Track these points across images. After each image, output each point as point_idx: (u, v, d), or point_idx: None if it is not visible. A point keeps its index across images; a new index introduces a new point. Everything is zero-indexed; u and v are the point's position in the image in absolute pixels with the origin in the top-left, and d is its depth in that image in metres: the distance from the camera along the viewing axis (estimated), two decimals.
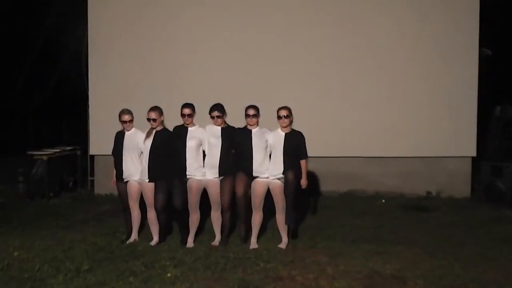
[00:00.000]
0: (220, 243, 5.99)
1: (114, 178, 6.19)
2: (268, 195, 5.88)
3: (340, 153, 9.32)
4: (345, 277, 4.83)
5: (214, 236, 6.09)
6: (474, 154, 9.31)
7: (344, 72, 9.37)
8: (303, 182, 5.77)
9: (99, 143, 9.35)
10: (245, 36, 9.39)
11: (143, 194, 6.03)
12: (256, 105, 5.94)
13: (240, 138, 5.89)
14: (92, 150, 9.67)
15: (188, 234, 6.01)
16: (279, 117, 5.82)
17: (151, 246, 5.88)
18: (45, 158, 9.07)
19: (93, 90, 9.60)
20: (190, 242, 5.97)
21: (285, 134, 5.84)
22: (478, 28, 9.23)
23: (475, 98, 9.27)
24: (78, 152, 10.38)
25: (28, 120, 16.89)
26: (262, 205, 5.88)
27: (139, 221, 6.20)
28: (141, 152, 6.01)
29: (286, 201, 5.69)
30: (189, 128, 5.98)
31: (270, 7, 9.39)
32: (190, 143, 5.90)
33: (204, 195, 6.02)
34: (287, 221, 5.76)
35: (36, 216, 7.64)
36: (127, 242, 6.04)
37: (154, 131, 5.95)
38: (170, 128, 6.10)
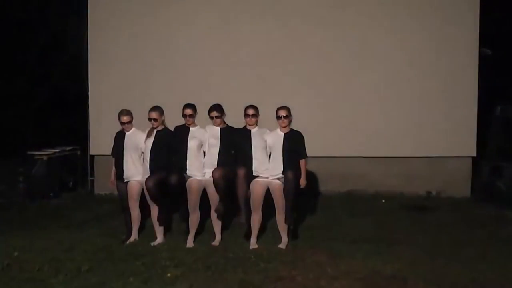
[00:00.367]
0: (220, 243, 6.00)
1: (112, 178, 6.19)
2: (268, 195, 5.88)
3: (340, 153, 9.32)
4: (345, 277, 4.83)
5: (214, 236, 6.10)
6: (474, 154, 9.31)
7: (344, 72, 9.37)
8: (302, 182, 5.76)
9: (99, 143, 9.35)
10: (245, 36, 9.39)
11: (144, 194, 6.03)
12: (255, 105, 5.95)
13: (239, 138, 5.89)
14: (92, 150, 9.67)
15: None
16: (278, 117, 5.83)
17: (151, 246, 5.89)
18: (45, 158, 9.07)
19: (93, 90, 9.60)
20: (190, 242, 5.97)
21: (284, 134, 5.84)
22: (478, 28, 9.22)
23: (475, 98, 9.26)
24: (78, 152, 10.37)
25: (28, 120, 16.87)
26: (261, 205, 5.87)
27: (139, 221, 6.21)
28: (142, 152, 6.02)
29: (286, 201, 5.69)
30: (190, 128, 5.99)
31: (270, 8, 9.39)
32: (191, 143, 5.90)
33: (204, 195, 6.03)
34: (286, 221, 5.76)
35: (36, 216, 7.65)
36: (127, 242, 6.04)
37: (155, 131, 5.96)
38: (171, 129, 6.11)
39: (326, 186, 9.14)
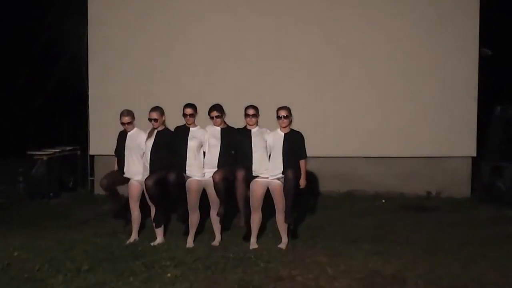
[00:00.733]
0: (220, 243, 6.00)
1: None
2: (268, 195, 5.88)
3: (340, 153, 9.32)
4: (345, 277, 4.82)
5: (214, 236, 6.10)
6: (474, 154, 9.31)
7: (344, 72, 9.37)
8: (302, 182, 5.76)
9: (99, 143, 9.36)
10: (246, 36, 9.39)
11: (144, 194, 6.03)
12: (256, 105, 5.95)
13: (239, 138, 5.89)
14: (92, 150, 9.67)
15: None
16: (278, 117, 5.83)
17: (151, 246, 5.89)
18: (45, 158, 9.07)
19: (93, 90, 9.61)
20: (190, 242, 5.97)
21: (285, 134, 5.84)
22: (478, 28, 9.22)
23: (475, 99, 9.26)
24: (78, 152, 10.37)
25: (28, 120, 16.86)
26: (261, 205, 5.87)
27: (139, 221, 6.22)
28: (143, 152, 6.02)
29: (286, 201, 5.68)
30: (190, 128, 5.99)
31: (270, 7, 9.39)
32: (191, 143, 5.90)
33: (204, 195, 6.03)
34: (286, 221, 5.75)
35: (36, 216, 7.64)
36: (127, 242, 6.04)
37: (155, 131, 5.96)
38: (171, 129, 6.11)
39: (326, 186, 9.14)
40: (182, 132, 5.98)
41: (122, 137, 6.17)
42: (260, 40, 9.37)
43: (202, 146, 5.99)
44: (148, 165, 5.90)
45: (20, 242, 5.96)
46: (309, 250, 5.70)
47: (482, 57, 9.56)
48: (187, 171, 5.88)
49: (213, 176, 5.72)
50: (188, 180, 5.91)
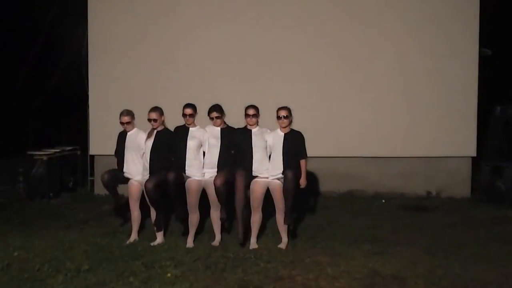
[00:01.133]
0: (220, 243, 6.00)
1: None
2: (268, 195, 5.88)
3: (340, 153, 9.32)
4: (345, 277, 4.83)
5: (214, 236, 6.10)
6: (474, 154, 9.31)
7: (344, 73, 9.37)
8: (302, 182, 5.76)
9: (99, 143, 9.36)
10: (246, 36, 9.38)
11: (144, 195, 6.03)
12: (256, 105, 5.95)
13: (239, 138, 5.89)
14: (92, 150, 9.67)
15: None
16: (278, 117, 5.83)
17: (151, 246, 5.89)
18: (45, 158, 9.07)
19: (93, 90, 9.60)
20: (190, 242, 5.97)
21: (285, 134, 5.84)
22: (478, 28, 9.22)
23: (475, 98, 9.27)
24: (78, 152, 10.37)
25: (28, 120, 16.87)
26: (261, 205, 5.87)
27: (139, 221, 6.22)
28: (143, 152, 6.02)
29: (285, 201, 5.68)
30: (190, 128, 5.99)
31: (270, 8, 9.39)
32: (191, 143, 5.90)
33: (204, 195, 6.03)
34: (286, 221, 5.75)
35: (36, 216, 7.64)
36: (127, 242, 6.04)
37: (155, 132, 5.96)
38: (171, 129, 6.11)
39: (326, 186, 9.14)
40: (182, 132, 5.98)
41: (122, 138, 6.17)
42: (260, 40, 9.36)
43: (201, 146, 5.99)
44: (148, 165, 5.90)
45: (20, 242, 5.96)
46: (309, 250, 5.70)
47: (482, 57, 9.57)
48: (186, 171, 5.89)
49: (214, 181, 5.70)
50: (188, 180, 5.91)
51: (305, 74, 9.37)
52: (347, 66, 9.38)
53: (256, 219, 5.88)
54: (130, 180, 6.07)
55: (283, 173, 5.70)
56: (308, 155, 5.88)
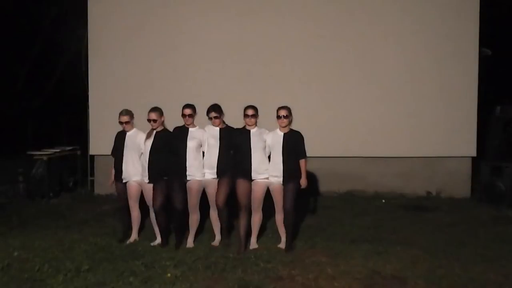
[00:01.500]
0: (220, 243, 6.00)
1: (112, 179, 6.20)
2: (268, 195, 5.88)
3: (340, 153, 9.32)
4: (345, 277, 4.83)
5: (214, 236, 6.10)
6: (474, 154, 9.31)
7: (344, 72, 9.37)
8: (303, 181, 5.75)
9: (99, 143, 9.36)
10: (246, 37, 9.39)
11: (143, 194, 6.03)
12: (255, 105, 5.94)
13: (238, 139, 5.88)
14: (92, 150, 9.67)
15: (183, 236, 5.99)
16: (278, 117, 5.82)
17: (151, 246, 5.89)
18: (45, 158, 9.07)
19: (93, 90, 9.61)
20: (190, 242, 5.97)
21: (284, 134, 5.83)
22: (478, 28, 9.23)
23: (475, 98, 9.27)
24: (78, 152, 10.38)
25: (28, 120, 16.88)
26: (261, 205, 5.87)
27: (139, 221, 6.22)
28: (142, 153, 6.02)
29: (286, 201, 5.68)
30: (189, 129, 5.98)
31: (270, 8, 9.39)
32: (191, 144, 5.89)
33: (204, 195, 6.03)
34: (286, 221, 5.74)
35: (36, 216, 7.64)
36: (127, 242, 6.04)
37: (154, 132, 5.96)
38: (170, 129, 6.11)
39: (326, 186, 9.14)
40: (182, 133, 5.97)
41: (120, 138, 6.16)
42: (261, 40, 9.37)
43: (201, 146, 5.99)
44: (146, 166, 5.89)
45: (20, 242, 5.97)
46: (309, 250, 5.70)
47: (482, 57, 9.57)
48: (187, 172, 5.86)
49: (216, 201, 5.81)
50: (189, 181, 5.90)
51: (305, 74, 9.37)
52: (347, 66, 9.38)
53: (256, 219, 5.88)
54: (129, 181, 6.06)
55: (283, 176, 5.68)
56: (308, 155, 5.87)
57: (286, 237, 5.79)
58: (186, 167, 5.85)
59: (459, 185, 9.22)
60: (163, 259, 5.30)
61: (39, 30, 16.08)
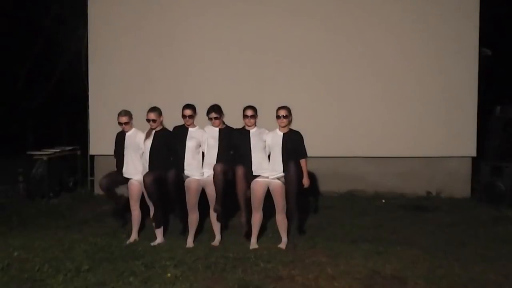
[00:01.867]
0: (220, 243, 6.00)
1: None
2: (268, 195, 5.88)
3: (340, 153, 9.32)
4: (345, 277, 4.83)
5: (214, 236, 6.10)
6: (474, 154, 9.31)
7: (344, 73, 9.37)
8: (305, 181, 5.76)
9: (99, 143, 9.36)
10: (245, 37, 9.38)
11: (144, 193, 6.03)
12: (255, 105, 5.94)
13: (238, 139, 5.89)
14: (92, 150, 9.67)
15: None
16: (278, 117, 5.82)
17: (151, 246, 5.89)
18: (45, 158, 9.07)
19: (93, 90, 9.61)
20: (190, 242, 5.98)
21: (283, 134, 5.83)
22: (478, 28, 9.22)
23: (475, 98, 9.26)
24: (78, 152, 10.38)
25: (28, 120, 16.88)
26: (261, 205, 5.87)
27: (139, 221, 6.22)
28: (142, 153, 6.02)
29: (288, 201, 5.68)
30: (189, 129, 5.99)
31: (270, 8, 9.39)
32: (189, 143, 5.90)
33: (203, 195, 6.02)
34: (289, 221, 5.74)
35: (36, 216, 7.64)
36: (127, 242, 6.04)
37: (153, 132, 5.96)
38: (171, 129, 6.11)
39: (326, 186, 9.13)
40: (181, 133, 5.98)
41: (120, 138, 6.17)
42: (261, 41, 9.36)
43: (200, 146, 6.00)
44: (147, 165, 5.90)
45: (20, 242, 5.96)
46: (309, 250, 5.70)
47: (482, 57, 9.56)
48: (186, 171, 5.88)
49: (214, 167, 5.72)
50: (187, 179, 5.91)
51: (305, 74, 9.37)
52: (347, 66, 9.37)
53: (256, 219, 5.88)
54: (130, 180, 6.08)
55: (283, 172, 5.69)
56: (308, 155, 5.88)
57: (287, 215, 5.76)
58: (184, 166, 5.85)
59: (459, 185, 9.22)
60: (163, 259, 5.29)
61: (39, 30, 16.08)
